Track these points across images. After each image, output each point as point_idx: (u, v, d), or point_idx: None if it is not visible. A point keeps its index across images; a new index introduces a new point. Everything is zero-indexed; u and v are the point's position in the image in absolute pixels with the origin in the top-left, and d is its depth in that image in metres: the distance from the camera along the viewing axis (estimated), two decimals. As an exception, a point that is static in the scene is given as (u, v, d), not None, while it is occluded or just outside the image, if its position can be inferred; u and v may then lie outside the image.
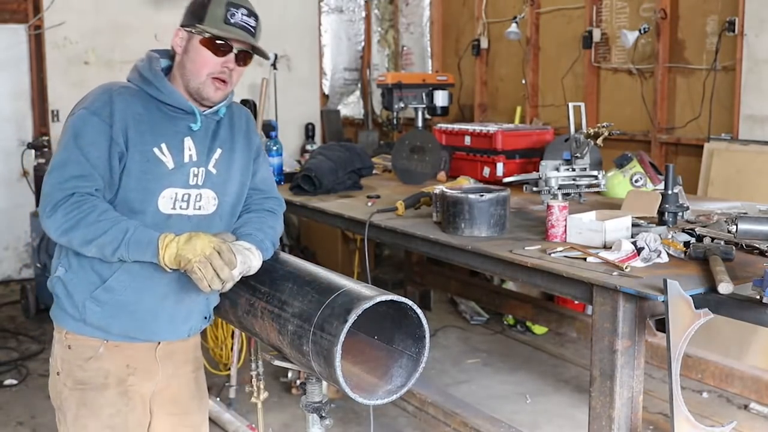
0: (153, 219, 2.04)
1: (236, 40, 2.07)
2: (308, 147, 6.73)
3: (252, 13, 2.10)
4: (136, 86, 2.10)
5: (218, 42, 2.06)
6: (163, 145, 2.06)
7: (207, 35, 2.06)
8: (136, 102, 2.06)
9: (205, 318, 2.26)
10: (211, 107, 2.15)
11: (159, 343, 2.17)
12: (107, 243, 1.95)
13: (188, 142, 2.10)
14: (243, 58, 2.11)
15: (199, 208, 2.12)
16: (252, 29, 2.09)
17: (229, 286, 1.97)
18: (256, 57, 2.15)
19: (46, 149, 6.19)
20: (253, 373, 3.51)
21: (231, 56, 2.08)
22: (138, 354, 2.14)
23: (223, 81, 2.09)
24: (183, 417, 2.28)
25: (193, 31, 2.08)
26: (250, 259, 2.05)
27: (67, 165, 1.98)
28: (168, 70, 2.16)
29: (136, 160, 2.02)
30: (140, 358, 2.15)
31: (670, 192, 3.03)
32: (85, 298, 2.06)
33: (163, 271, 2.02)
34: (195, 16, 2.08)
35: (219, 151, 2.17)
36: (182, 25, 2.12)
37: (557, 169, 3.56)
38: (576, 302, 4.65)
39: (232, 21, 2.05)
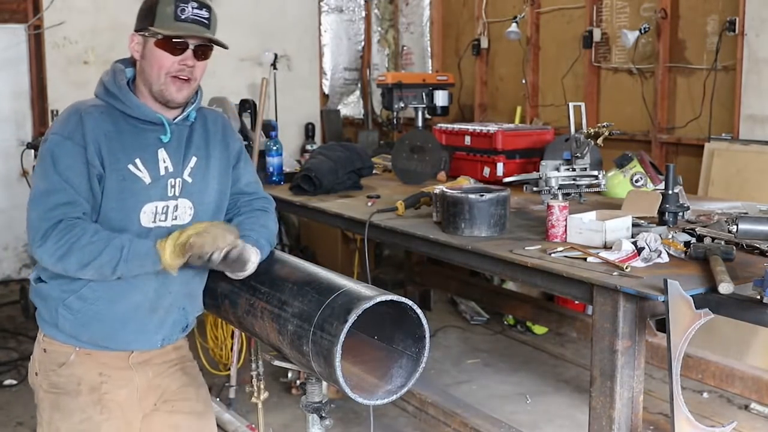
0: (136, 235, 2.02)
1: (191, 36, 2.01)
2: (308, 147, 6.74)
3: (203, 5, 2.03)
4: (104, 101, 2.05)
5: (173, 41, 2.01)
6: (138, 161, 2.02)
7: (160, 36, 2.00)
8: (105, 120, 2.02)
9: (183, 329, 2.23)
10: (178, 108, 2.09)
11: (132, 352, 2.14)
12: (105, 263, 1.94)
13: (162, 153, 2.06)
14: (202, 52, 2.05)
15: (176, 218, 2.09)
16: (206, 21, 2.03)
17: (234, 253, 1.98)
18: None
19: (45, 149, 6.20)
20: (254, 373, 3.50)
21: (188, 53, 2.02)
22: (111, 362, 2.12)
23: (185, 79, 2.04)
24: (181, 403, 2.23)
25: (147, 34, 2.03)
26: (249, 253, 2.02)
27: (50, 193, 1.95)
28: (134, 79, 2.11)
29: (113, 179, 1.99)
30: (113, 366, 2.12)
31: (670, 192, 3.03)
32: (58, 305, 2.05)
33: (140, 280, 2.01)
34: (146, 19, 2.03)
35: (194, 159, 2.13)
36: (136, 30, 2.07)
37: (557, 169, 3.55)
38: (576, 302, 4.64)
39: (182, 17, 1.99)
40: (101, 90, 2.08)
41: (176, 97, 2.05)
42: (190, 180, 2.11)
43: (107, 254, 1.93)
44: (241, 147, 2.29)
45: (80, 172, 1.97)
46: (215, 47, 2.08)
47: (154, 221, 2.05)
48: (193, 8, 2.01)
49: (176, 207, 2.08)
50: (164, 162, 2.06)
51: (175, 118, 2.10)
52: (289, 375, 4.17)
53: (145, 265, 1.96)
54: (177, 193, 2.09)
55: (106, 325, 2.06)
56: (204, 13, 2.03)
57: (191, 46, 2.03)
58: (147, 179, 2.03)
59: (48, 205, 1.94)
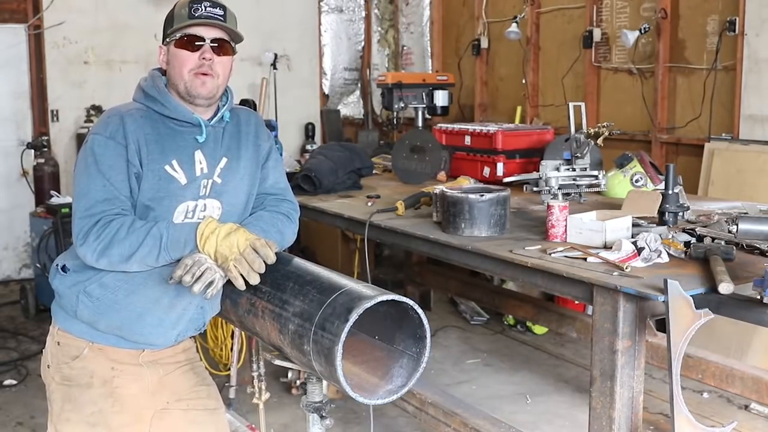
0: None
1: (205, 26, 2.07)
2: (308, 147, 6.74)
3: (216, 4, 2.10)
4: (143, 105, 2.12)
5: (188, 37, 2.08)
6: (174, 162, 2.08)
7: (177, 36, 2.08)
8: (145, 122, 2.08)
9: (198, 328, 2.25)
10: (206, 104, 2.13)
11: (143, 351, 2.16)
12: (147, 254, 1.99)
13: (199, 155, 2.12)
14: (221, 47, 2.10)
15: (203, 218, 2.11)
16: (220, 17, 2.09)
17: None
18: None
19: (45, 149, 6.20)
20: (255, 374, 3.50)
21: (206, 47, 2.08)
22: (122, 358, 2.15)
23: (207, 74, 2.09)
24: (195, 401, 2.26)
25: (168, 40, 2.11)
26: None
27: (91, 191, 2.01)
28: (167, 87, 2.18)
29: (149, 179, 2.05)
30: (124, 361, 2.15)
31: (670, 192, 3.03)
32: (80, 290, 2.08)
33: (161, 276, 2.05)
34: (167, 28, 2.13)
35: (224, 160, 2.17)
36: (162, 43, 2.16)
37: (557, 169, 3.55)
38: (576, 302, 4.64)
39: (196, 15, 2.07)
40: (140, 94, 2.14)
41: (200, 90, 2.10)
42: (219, 181, 2.15)
43: (147, 245, 1.99)
44: (272, 147, 2.32)
45: (121, 170, 2.03)
46: (236, 46, 2.15)
47: (185, 219, 2.11)
48: (206, 7, 2.08)
49: (204, 206, 2.13)
50: (200, 163, 2.12)
51: (211, 119, 2.16)
52: (289, 375, 4.17)
53: (185, 251, 2.01)
54: (207, 193, 2.14)
55: (124, 315, 2.09)
56: (218, 11, 2.10)
57: (207, 41, 2.09)
58: (183, 180, 2.09)
59: (88, 203, 2.01)
